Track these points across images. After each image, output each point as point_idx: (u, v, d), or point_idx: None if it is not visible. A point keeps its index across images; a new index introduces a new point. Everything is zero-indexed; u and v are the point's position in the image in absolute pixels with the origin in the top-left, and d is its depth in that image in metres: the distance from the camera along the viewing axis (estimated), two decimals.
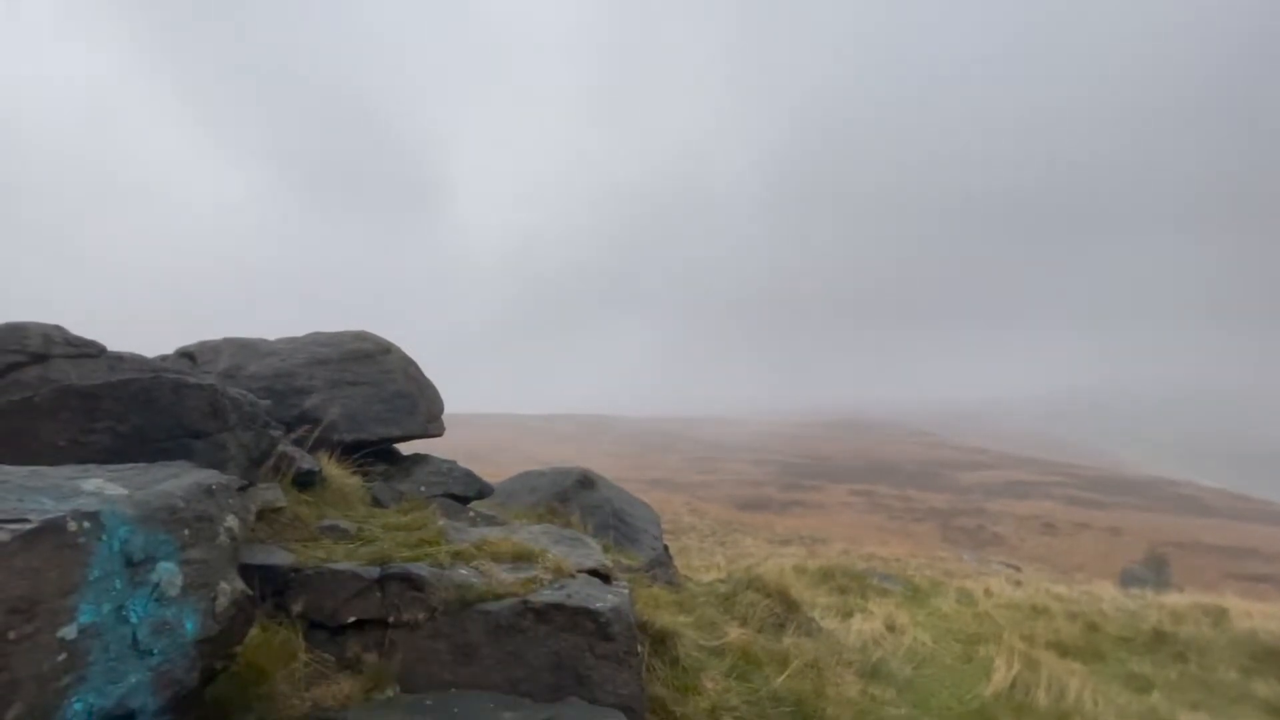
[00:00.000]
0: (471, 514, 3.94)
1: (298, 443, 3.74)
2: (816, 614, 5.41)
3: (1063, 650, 5.60)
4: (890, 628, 5.42)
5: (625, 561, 4.58)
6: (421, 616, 2.19)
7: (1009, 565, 23.43)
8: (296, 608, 2.22)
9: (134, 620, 1.49)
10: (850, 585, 7.88)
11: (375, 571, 2.27)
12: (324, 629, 2.22)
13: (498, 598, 2.27)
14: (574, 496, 5.14)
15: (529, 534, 3.22)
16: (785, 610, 4.55)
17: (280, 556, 2.35)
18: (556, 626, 2.25)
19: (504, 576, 2.41)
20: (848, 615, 5.79)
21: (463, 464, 4.82)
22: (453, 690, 2.14)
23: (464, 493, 4.39)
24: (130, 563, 1.52)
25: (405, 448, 4.84)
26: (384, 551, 2.41)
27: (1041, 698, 3.80)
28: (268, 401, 3.40)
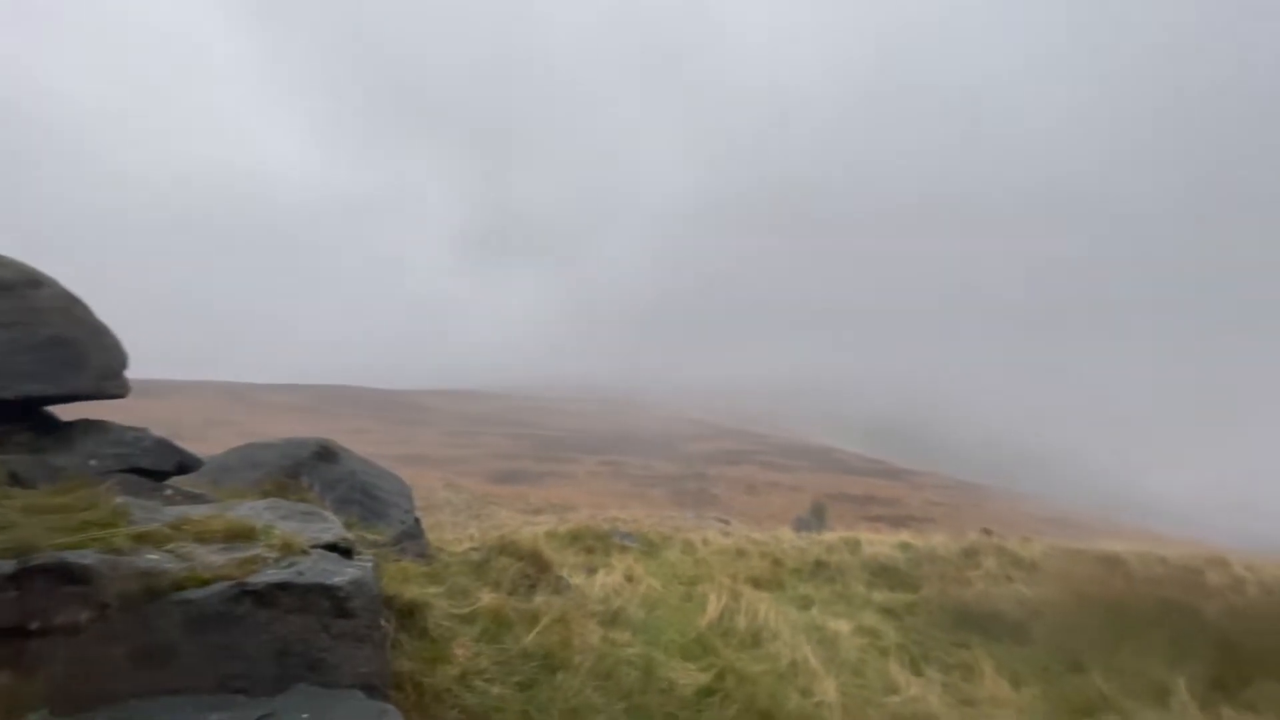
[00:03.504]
0: (169, 492, 3.16)
1: None
2: (566, 573, 5.56)
3: (757, 583, 6.60)
4: (629, 579, 5.82)
5: (371, 536, 4.16)
6: (85, 617, 1.67)
7: (721, 520, 27.02)
8: None
9: None
10: (596, 545, 8.28)
11: (8, 566, 1.67)
12: None
13: (203, 583, 1.84)
14: (311, 470, 4.48)
15: (249, 510, 2.69)
16: (537, 571, 4.58)
17: None
18: (283, 609, 1.90)
19: (212, 559, 1.96)
20: (593, 571, 6.06)
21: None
22: (132, 701, 1.68)
23: (157, 467, 3.46)
24: None
25: (72, 412, 3.65)
26: (24, 539, 1.77)
27: (741, 622, 4.43)
28: None
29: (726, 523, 24.34)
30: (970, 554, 7.23)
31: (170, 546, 1.99)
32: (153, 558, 1.88)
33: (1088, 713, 3.81)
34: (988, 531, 9.96)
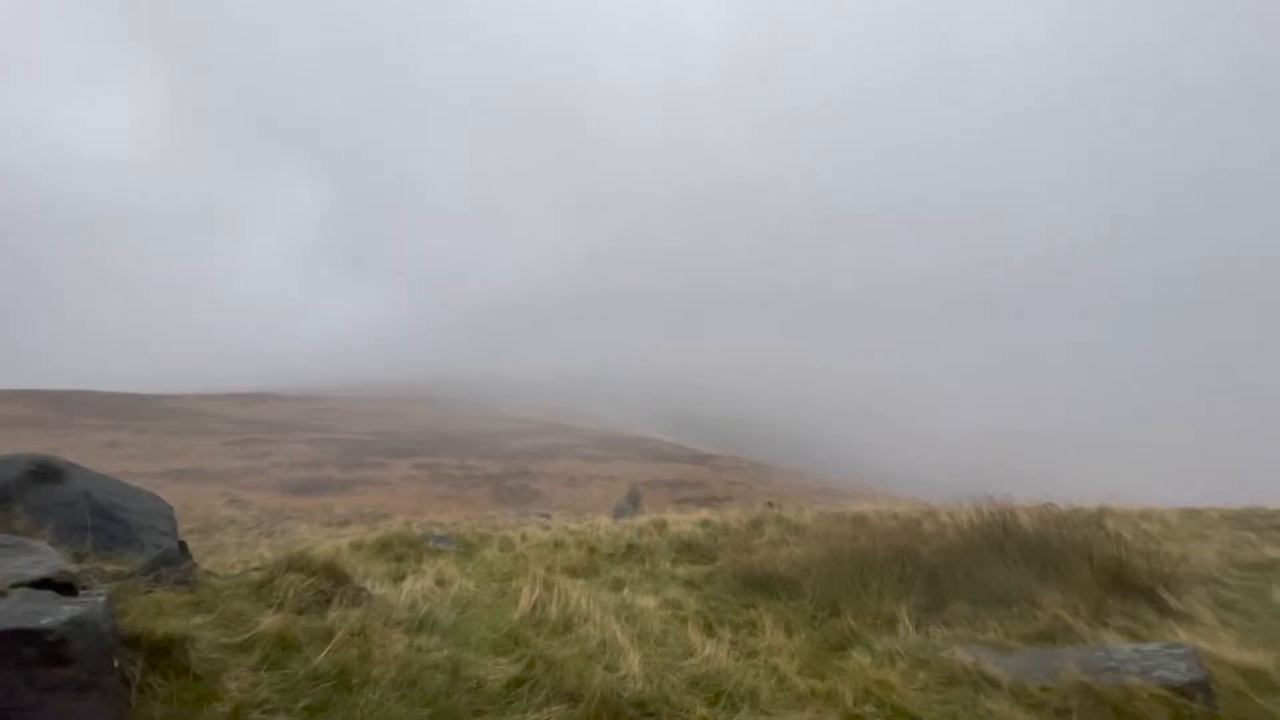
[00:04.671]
0: None
1: None
2: (369, 583, 5.14)
3: (573, 572, 6.71)
4: (440, 582, 5.56)
5: (112, 567, 3.45)
6: None
7: (542, 514, 26.97)
8: None
9: None
10: (407, 552, 7.78)
11: None
12: None
13: None
14: (23, 493, 3.57)
15: None
16: (333, 585, 4.17)
17: None
18: None
19: None
20: (401, 579, 5.69)
21: None
22: None
23: None
24: None
25: None
26: None
27: (554, 610, 4.48)
28: None
29: (548, 517, 24.36)
30: (756, 524, 8.12)
31: None
32: None
33: (841, 647, 4.48)
34: (771, 504, 11.26)
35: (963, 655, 3.95)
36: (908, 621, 4.63)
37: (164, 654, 2.76)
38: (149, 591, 3.30)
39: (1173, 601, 4.66)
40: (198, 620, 3.19)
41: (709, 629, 4.80)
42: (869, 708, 3.56)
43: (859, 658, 4.15)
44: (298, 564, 4.03)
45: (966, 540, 5.62)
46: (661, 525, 8.82)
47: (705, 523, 8.66)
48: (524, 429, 74.62)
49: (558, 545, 8.33)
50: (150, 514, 4.41)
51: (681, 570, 6.71)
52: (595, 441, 65.48)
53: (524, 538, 9.25)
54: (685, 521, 8.96)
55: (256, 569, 4.45)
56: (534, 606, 4.54)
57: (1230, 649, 3.80)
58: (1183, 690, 3.30)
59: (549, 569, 6.34)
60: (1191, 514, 8.31)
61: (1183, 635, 4.07)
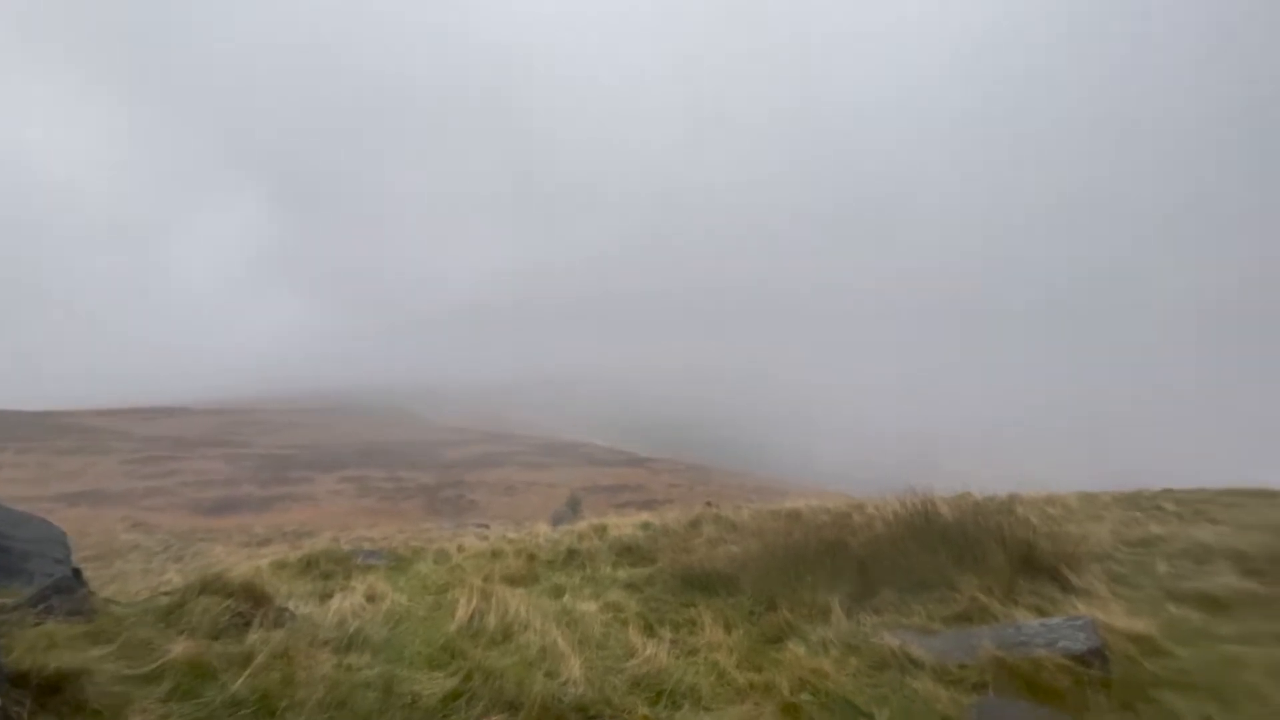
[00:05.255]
0: None
1: None
2: (294, 603, 4.86)
3: (512, 581, 6.59)
4: (371, 598, 5.32)
5: None
6: None
7: (480, 525, 26.32)
8: None
9: None
10: (335, 569, 7.41)
11: None
12: None
13: None
14: None
15: None
16: (252, 607, 3.91)
17: None
18: None
19: None
20: (328, 597, 5.41)
21: None
22: None
23: None
24: None
25: None
26: None
27: (492, 620, 4.37)
28: None
29: (486, 527, 23.79)
30: (695, 525, 8.23)
31: None
32: None
33: (778, 639, 4.59)
34: (709, 504, 11.45)
35: (890, 640, 4.15)
36: (840, 611, 4.81)
37: (55, 691, 2.50)
38: (38, 624, 3.00)
39: (1074, 578, 5.06)
40: (96, 652, 2.92)
41: (650, 630, 4.82)
42: (805, 696, 3.67)
43: (794, 649, 4.27)
44: (212, 586, 3.76)
45: (892, 531, 5.90)
46: (602, 530, 8.79)
47: (645, 525, 8.70)
48: (459, 438, 72.64)
49: (496, 555, 8.15)
50: (40, 541, 3.99)
51: (622, 573, 6.70)
52: (534, 449, 64.56)
53: (460, 549, 9.00)
54: (625, 525, 8.97)
55: (165, 593, 4.11)
56: (471, 617, 4.41)
57: (1121, 618, 4.16)
58: (1082, 658, 3.59)
59: (487, 579, 6.19)
60: (1088, 498, 9.07)
61: (1082, 608, 4.42)
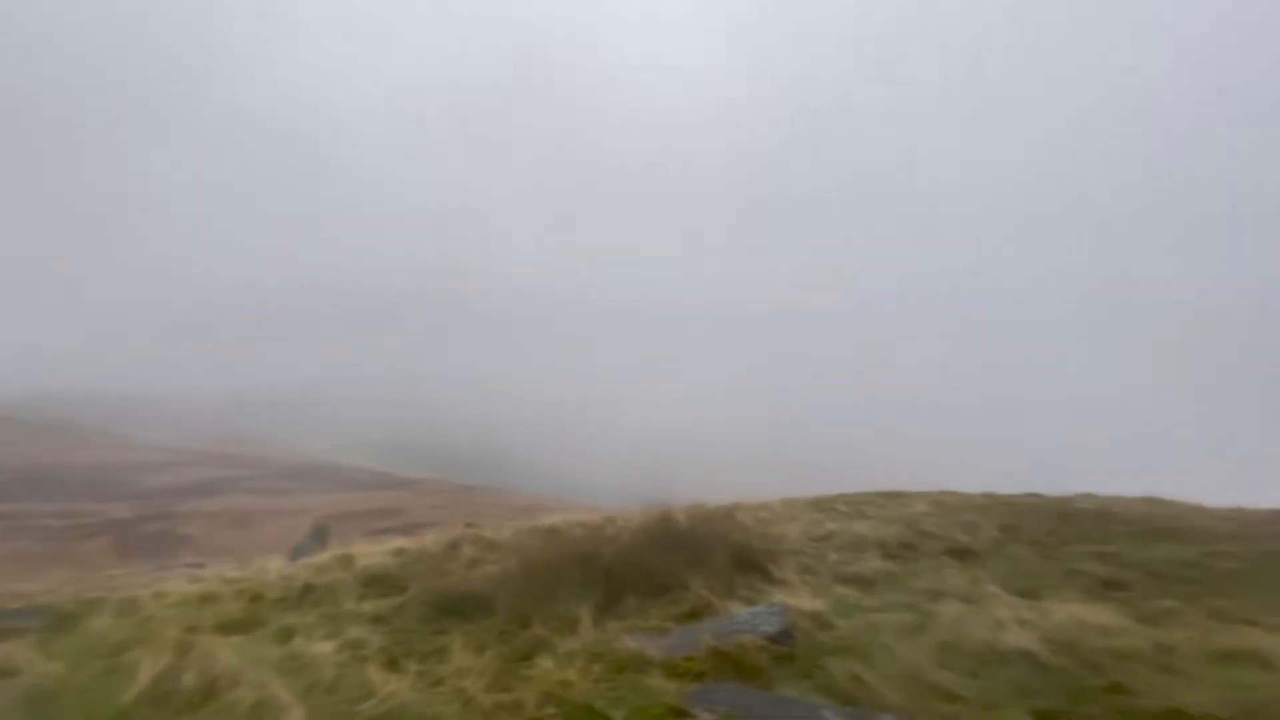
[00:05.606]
0: None
1: None
2: None
3: (227, 628, 5.63)
4: (4, 673, 4.10)
5: None
6: None
7: (194, 564, 21.81)
8: None
9: None
10: None
11: None
12: None
13: None
14: None
15: None
16: None
17: None
18: None
19: None
20: None
21: None
22: None
23: None
24: None
25: None
26: None
27: (189, 679, 3.69)
28: None
29: (201, 566, 19.75)
30: (453, 546, 7.93)
31: None
32: None
33: (528, 656, 4.66)
34: (470, 524, 11.15)
35: (629, 643, 4.52)
36: (588, 621, 5.08)
37: None
38: None
39: (776, 571, 6.09)
40: None
41: (393, 664, 4.53)
42: (550, 709, 3.80)
43: (543, 663, 4.39)
44: None
45: (635, 540, 6.44)
46: (348, 560, 7.96)
47: (399, 551, 8.11)
48: (171, 460, 59.28)
49: (208, 599, 6.84)
50: None
51: (368, 606, 6.17)
52: (275, 473, 55.59)
53: (158, 596, 7.36)
54: (376, 552, 8.26)
55: None
56: (159, 679, 3.67)
57: (805, 601, 5.14)
58: (775, 638, 4.36)
59: (191, 629, 5.18)
60: (789, 503, 10.98)
61: (779, 596, 5.35)
